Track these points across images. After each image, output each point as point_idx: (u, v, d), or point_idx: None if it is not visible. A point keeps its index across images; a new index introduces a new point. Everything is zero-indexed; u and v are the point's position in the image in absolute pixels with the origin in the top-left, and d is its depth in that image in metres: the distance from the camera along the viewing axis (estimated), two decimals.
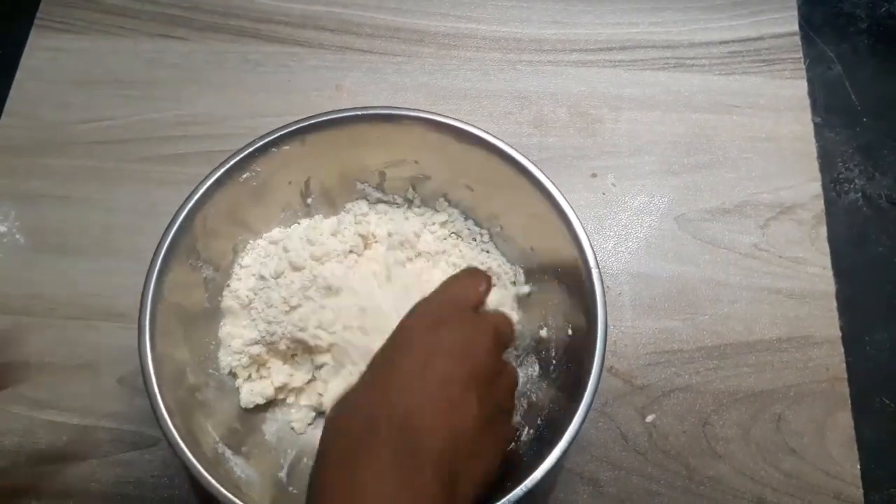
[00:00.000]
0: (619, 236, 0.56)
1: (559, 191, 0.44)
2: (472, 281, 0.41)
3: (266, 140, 0.45)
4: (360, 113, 0.46)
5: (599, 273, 0.42)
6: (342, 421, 0.34)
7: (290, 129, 0.45)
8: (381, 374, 0.35)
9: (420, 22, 0.64)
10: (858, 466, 0.49)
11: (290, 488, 0.44)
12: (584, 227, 0.43)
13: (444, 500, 0.31)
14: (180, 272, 0.43)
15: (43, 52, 0.61)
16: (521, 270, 0.50)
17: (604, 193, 0.57)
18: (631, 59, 0.62)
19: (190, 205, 0.43)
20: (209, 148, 0.57)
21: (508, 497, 0.37)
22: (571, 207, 0.44)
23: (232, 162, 0.44)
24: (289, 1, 0.64)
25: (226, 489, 0.37)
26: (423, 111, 0.46)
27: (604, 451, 0.49)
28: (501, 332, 0.39)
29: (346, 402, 0.35)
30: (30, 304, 0.52)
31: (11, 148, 0.58)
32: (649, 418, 0.50)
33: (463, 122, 0.46)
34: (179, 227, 0.43)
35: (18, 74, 0.60)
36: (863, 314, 0.54)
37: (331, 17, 0.63)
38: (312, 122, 0.46)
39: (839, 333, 0.53)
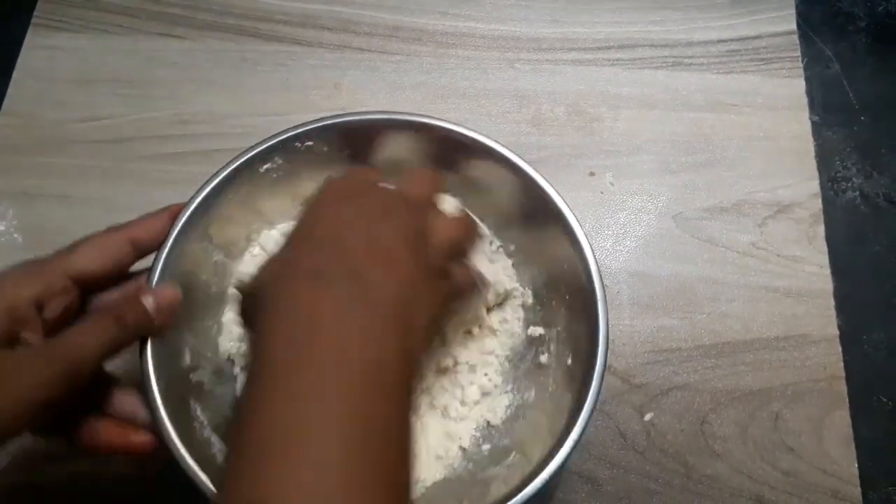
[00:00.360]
0: (617, 235, 0.56)
1: (576, 219, 0.44)
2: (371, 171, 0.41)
3: (290, 134, 0.45)
4: (387, 117, 0.45)
5: (600, 277, 0.42)
6: (280, 271, 0.34)
7: (315, 126, 0.45)
8: (308, 237, 0.35)
9: (418, 21, 0.64)
10: (856, 465, 0.49)
11: None
12: (592, 250, 0.43)
13: (404, 342, 0.31)
14: (191, 254, 0.43)
15: (41, 51, 0.61)
16: (530, 292, 0.50)
17: (602, 192, 0.58)
18: (629, 58, 0.62)
19: (207, 190, 0.43)
20: (208, 147, 0.57)
21: (512, 502, 0.37)
22: (587, 239, 0.43)
23: (254, 152, 0.44)
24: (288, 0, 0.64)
25: (205, 473, 0.37)
26: (452, 123, 0.45)
27: (602, 449, 0.50)
28: (416, 192, 0.39)
29: (276, 258, 0.35)
30: None
31: (10, 147, 0.58)
32: (647, 417, 0.51)
33: (496, 142, 0.45)
34: (194, 210, 0.42)
35: (16, 73, 0.60)
36: (860, 313, 0.54)
37: (330, 16, 0.63)
38: (338, 121, 0.45)
39: (837, 332, 0.53)
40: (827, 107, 0.61)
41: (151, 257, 0.41)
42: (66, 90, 0.60)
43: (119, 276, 0.39)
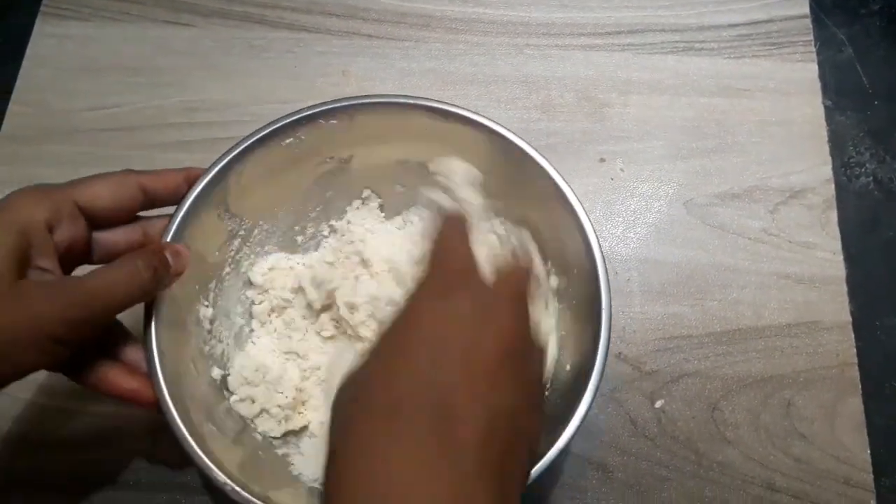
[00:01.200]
0: (627, 222, 0.56)
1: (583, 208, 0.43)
2: (457, 235, 0.35)
3: (315, 110, 0.45)
4: (414, 102, 0.45)
5: (604, 259, 0.42)
6: (358, 399, 0.29)
7: (341, 105, 0.45)
8: (396, 348, 0.30)
9: (427, 6, 0.63)
10: (868, 451, 0.49)
11: (260, 453, 0.44)
12: (598, 239, 0.42)
13: (494, 489, 0.27)
14: (207, 221, 0.43)
15: (49, 40, 0.61)
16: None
17: (612, 179, 0.57)
18: (640, 43, 0.62)
19: (228, 158, 0.43)
20: (215, 135, 0.57)
21: None
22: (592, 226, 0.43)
23: (278, 125, 0.44)
24: None
25: (195, 442, 0.37)
26: (480, 115, 0.45)
27: (613, 436, 0.49)
28: (522, 288, 0.33)
29: (357, 379, 0.30)
30: None
31: (19, 136, 0.58)
32: (658, 404, 0.50)
33: (514, 134, 0.44)
34: (214, 177, 0.43)
35: (25, 62, 0.60)
36: (873, 299, 0.54)
37: (337, 3, 0.63)
38: (365, 101, 0.45)
39: (849, 318, 0.53)
40: (840, 91, 0.61)
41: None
42: (75, 78, 0.60)
43: (124, 218, 0.40)
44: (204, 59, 0.61)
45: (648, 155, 0.58)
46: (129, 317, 0.39)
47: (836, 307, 0.53)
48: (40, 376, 0.50)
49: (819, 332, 0.52)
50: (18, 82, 0.59)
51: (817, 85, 0.60)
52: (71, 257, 0.37)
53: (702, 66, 0.61)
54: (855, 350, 0.52)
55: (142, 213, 0.42)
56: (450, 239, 0.35)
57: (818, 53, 0.61)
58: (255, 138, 0.44)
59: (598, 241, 0.42)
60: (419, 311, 0.31)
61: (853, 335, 0.52)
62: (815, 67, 0.61)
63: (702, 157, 0.58)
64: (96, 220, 0.38)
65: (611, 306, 0.41)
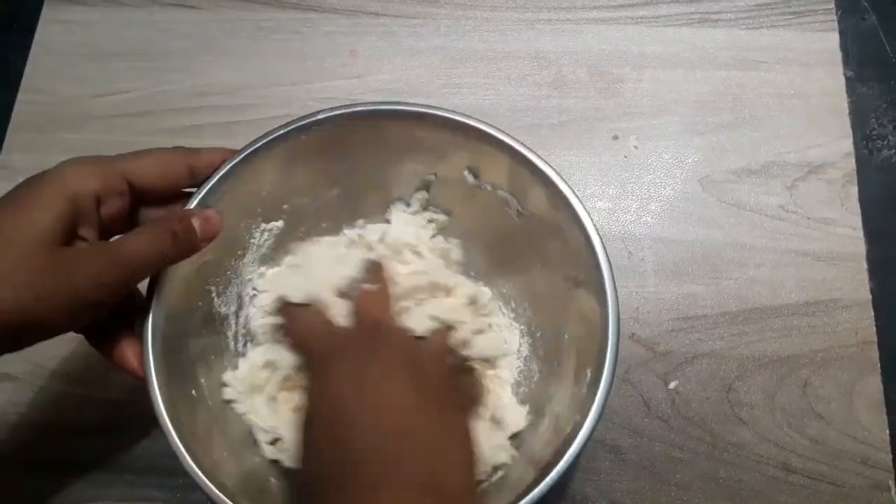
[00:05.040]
0: (641, 200, 0.55)
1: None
2: (379, 295, 0.42)
3: (412, 109, 0.43)
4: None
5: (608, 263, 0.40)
6: (314, 466, 0.36)
7: (455, 116, 0.43)
8: (335, 422, 0.36)
9: None
10: (887, 431, 0.48)
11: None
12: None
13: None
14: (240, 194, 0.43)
15: (56, 26, 0.61)
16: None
17: (625, 156, 0.56)
18: (654, 16, 0.60)
19: (338, 111, 0.43)
20: (225, 119, 0.57)
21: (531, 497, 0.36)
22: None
23: (370, 108, 0.43)
24: None
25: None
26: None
27: (626, 417, 0.49)
28: (373, 316, 0.41)
29: (310, 449, 0.37)
30: None
31: (30, 123, 0.58)
32: (672, 385, 0.50)
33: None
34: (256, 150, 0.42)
35: (33, 49, 0.60)
36: (894, 276, 0.52)
37: None
38: (487, 129, 0.43)
39: (869, 296, 0.52)
40: (862, 61, 0.59)
41: None
42: (83, 65, 0.60)
43: (169, 195, 0.40)
44: (212, 43, 0.60)
45: (663, 131, 0.57)
46: None
47: (855, 285, 0.52)
48: (55, 364, 0.51)
49: (838, 310, 0.51)
50: (27, 69, 0.59)
51: (838, 55, 0.58)
52: (112, 230, 0.38)
53: (718, 38, 0.59)
54: (874, 329, 0.51)
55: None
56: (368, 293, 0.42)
57: (839, 21, 0.59)
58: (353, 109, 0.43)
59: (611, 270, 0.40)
60: (340, 376, 0.38)
61: (873, 313, 0.51)
62: (836, 37, 0.59)
63: (718, 132, 0.57)
64: (142, 195, 0.39)
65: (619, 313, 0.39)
